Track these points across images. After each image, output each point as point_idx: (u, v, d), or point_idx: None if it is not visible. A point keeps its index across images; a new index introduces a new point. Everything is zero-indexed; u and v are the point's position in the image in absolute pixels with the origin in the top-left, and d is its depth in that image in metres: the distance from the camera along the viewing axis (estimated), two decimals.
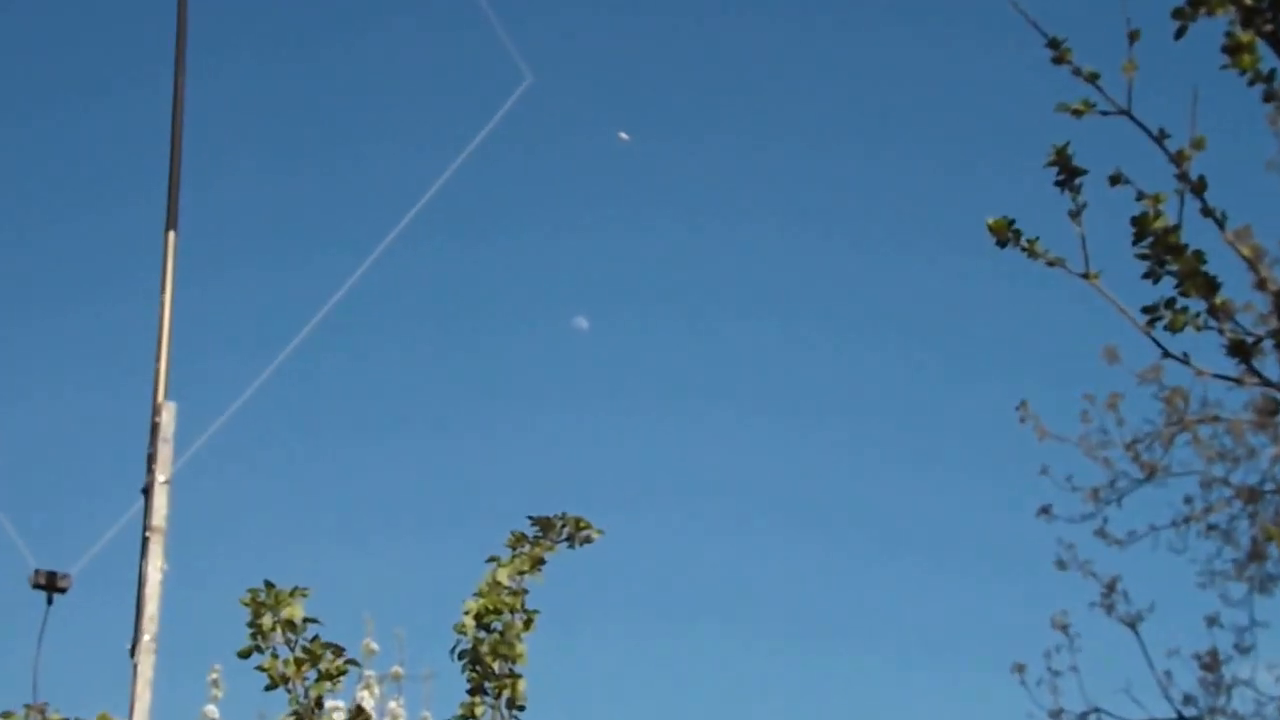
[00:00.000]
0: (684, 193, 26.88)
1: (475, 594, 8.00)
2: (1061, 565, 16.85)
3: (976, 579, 24.71)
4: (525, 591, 8.03)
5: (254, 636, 7.72)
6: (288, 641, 7.69)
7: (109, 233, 26.40)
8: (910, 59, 27.42)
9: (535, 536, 8.16)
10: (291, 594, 7.77)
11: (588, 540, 8.23)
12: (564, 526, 8.19)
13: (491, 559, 8.10)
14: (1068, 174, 6.56)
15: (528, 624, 7.97)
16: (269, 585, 7.80)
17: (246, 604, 7.76)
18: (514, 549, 8.12)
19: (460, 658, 7.90)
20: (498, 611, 7.93)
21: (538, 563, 8.10)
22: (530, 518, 8.19)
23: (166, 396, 7.82)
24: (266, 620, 7.67)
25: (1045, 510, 16.94)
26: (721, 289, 27.30)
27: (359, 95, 26.99)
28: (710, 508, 25.45)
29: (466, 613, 7.93)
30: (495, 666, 7.81)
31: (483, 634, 7.92)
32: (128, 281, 23.16)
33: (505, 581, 8.02)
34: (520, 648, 7.90)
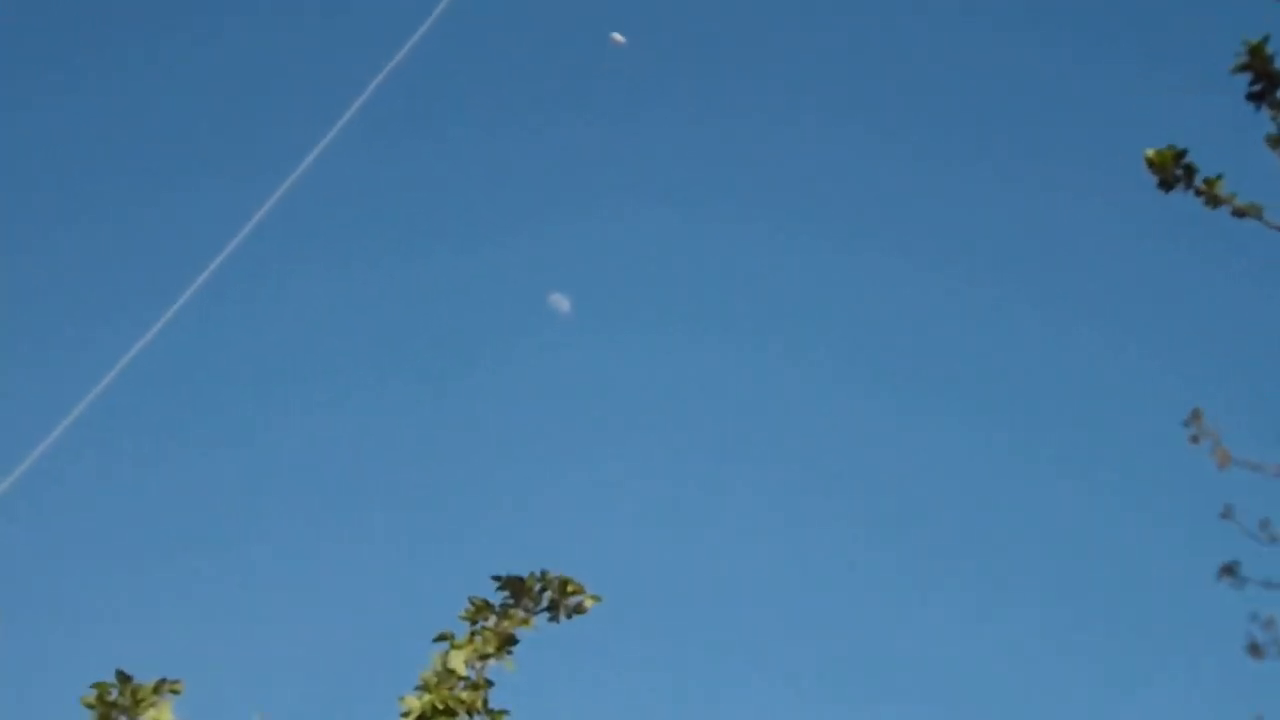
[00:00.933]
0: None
1: (418, 687, 5.97)
2: (1256, 651, 13.68)
3: (1141, 665, 20.58)
4: (489, 684, 6.06)
5: None
6: None
7: None
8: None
9: (504, 605, 6.11)
10: (156, 689, 5.79)
11: (579, 610, 6.21)
12: (543, 590, 6.12)
13: (442, 637, 6.07)
14: (1266, 81, 4.94)
15: None
16: (124, 678, 5.76)
17: (91, 705, 5.85)
18: (474, 623, 6.05)
19: None
20: (450, 712, 6.12)
21: (507, 642, 6.06)
22: (496, 578, 6.10)
23: None
24: None
25: (1230, 570, 13.70)
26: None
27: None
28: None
29: (405, 715, 5.87)
30: None
31: None
32: None
33: (461, 669, 6.11)
34: None
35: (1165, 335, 23.41)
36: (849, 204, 24.52)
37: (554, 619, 6.19)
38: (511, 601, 6.17)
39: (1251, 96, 5.06)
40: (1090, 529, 22.29)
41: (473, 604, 6.16)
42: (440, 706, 5.95)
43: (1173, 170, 5.10)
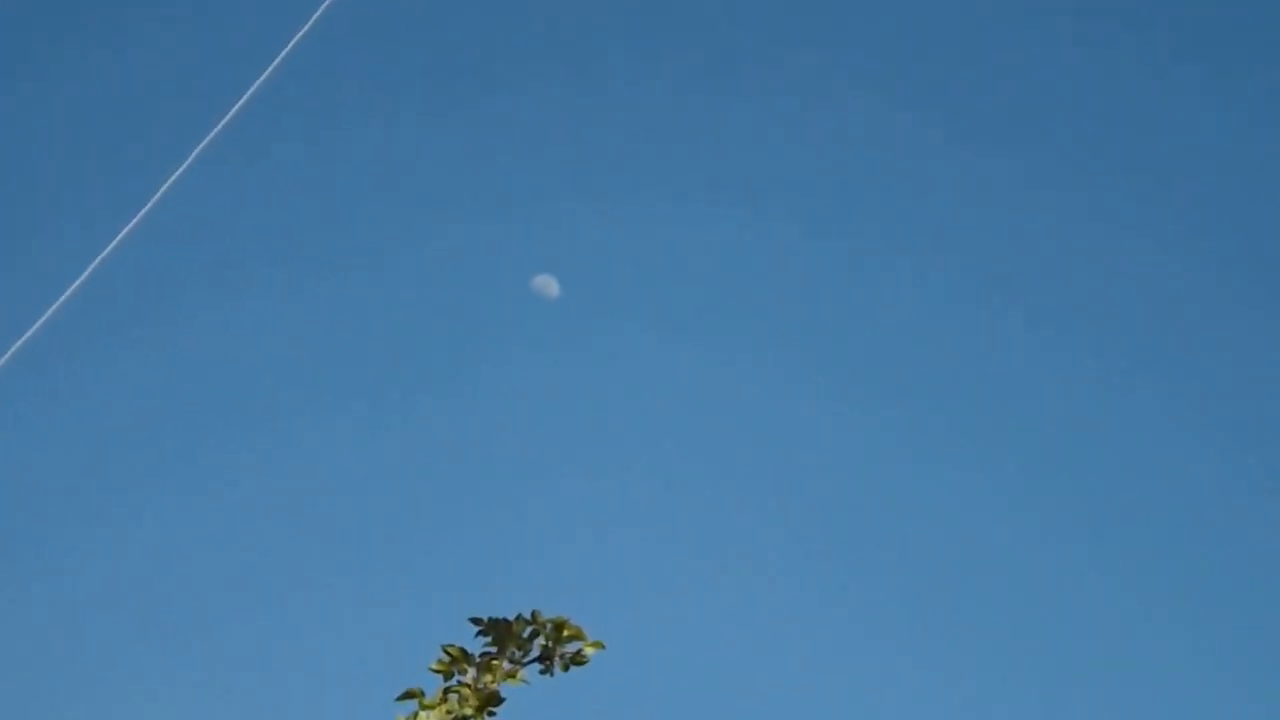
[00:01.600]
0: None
1: None
2: None
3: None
4: None
5: None
6: None
7: None
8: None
9: (484, 654, 5.01)
10: None
11: (578, 660, 5.12)
12: (534, 635, 5.04)
13: (408, 694, 5.00)
14: None
15: None
16: None
17: None
18: (448, 676, 4.98)
19: None
20: None
21: (489, 700, 5.00)
22: (475, 621, 5.01)
23: None
24: None
25: None
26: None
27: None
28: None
29: None
30: None
31: None
32: None
33: None
34: None
35: (1245, 343, 21.89)
36: (873, 196, 22.98)
37: (547, 671, 5.07)
38: (494, 649, 5.05)
39: None
40: (1181, 569, 20.69)
41: (447, 653, 5.05)
42: None
43: None
